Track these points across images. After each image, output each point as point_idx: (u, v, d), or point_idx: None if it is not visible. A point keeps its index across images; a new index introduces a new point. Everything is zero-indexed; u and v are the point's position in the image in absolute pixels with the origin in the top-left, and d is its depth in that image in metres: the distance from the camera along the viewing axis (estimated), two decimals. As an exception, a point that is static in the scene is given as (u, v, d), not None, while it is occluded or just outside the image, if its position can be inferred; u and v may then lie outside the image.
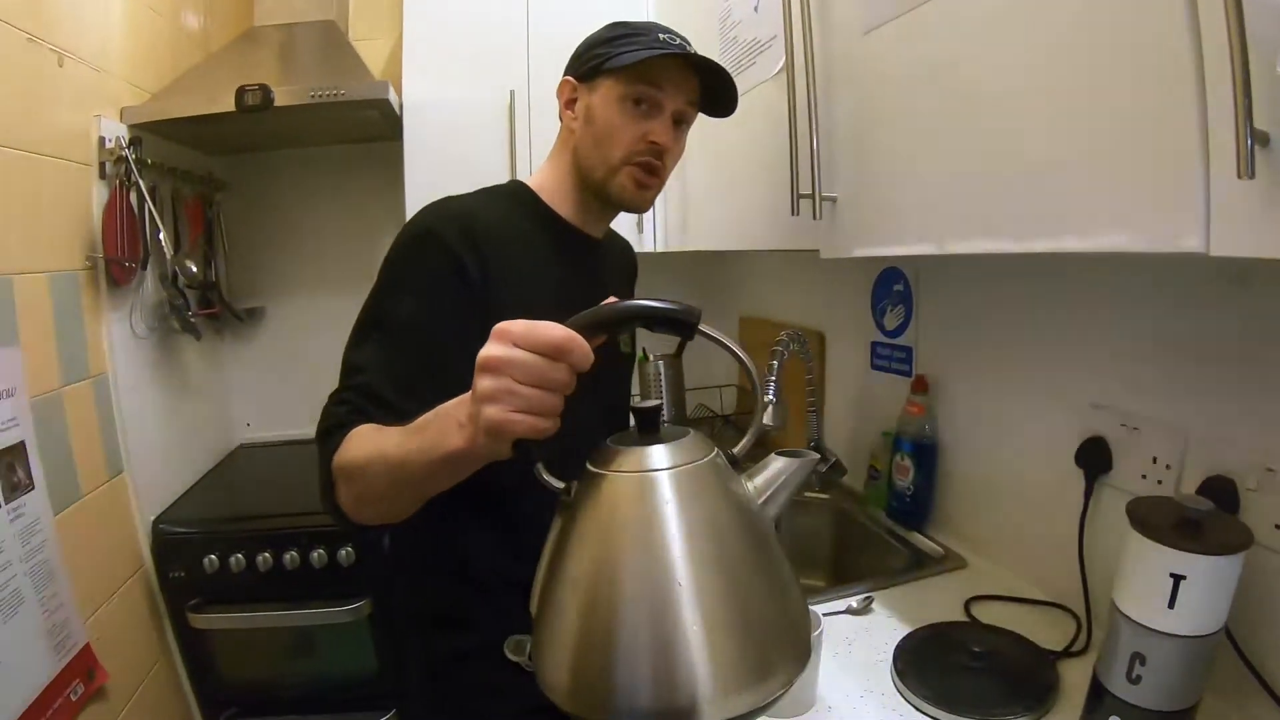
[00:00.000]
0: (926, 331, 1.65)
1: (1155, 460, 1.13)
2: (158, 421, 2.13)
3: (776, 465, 0.75)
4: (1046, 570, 1.34)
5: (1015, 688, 1.06)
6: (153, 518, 2.00)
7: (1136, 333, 1.17)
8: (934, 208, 1.03)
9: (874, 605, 1.33)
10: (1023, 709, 1.02)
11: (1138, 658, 0.89)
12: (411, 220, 1.09)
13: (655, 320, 0.75)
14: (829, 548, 1.84)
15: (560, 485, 0.73)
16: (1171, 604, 0.86)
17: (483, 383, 0.69)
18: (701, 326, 0.76)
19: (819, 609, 1.26)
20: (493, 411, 0.68)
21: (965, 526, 1.55)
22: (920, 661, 1.13)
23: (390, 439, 0.86)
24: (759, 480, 0.75)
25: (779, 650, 0.70)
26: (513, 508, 1.12)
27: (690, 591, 0.65)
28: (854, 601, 1.33)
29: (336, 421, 0.95)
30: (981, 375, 1.49)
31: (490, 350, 0.68)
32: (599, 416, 1.03)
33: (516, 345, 0.68)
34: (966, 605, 1.31)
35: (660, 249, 2.20)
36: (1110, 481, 1.21)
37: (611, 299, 0.75)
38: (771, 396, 1.56)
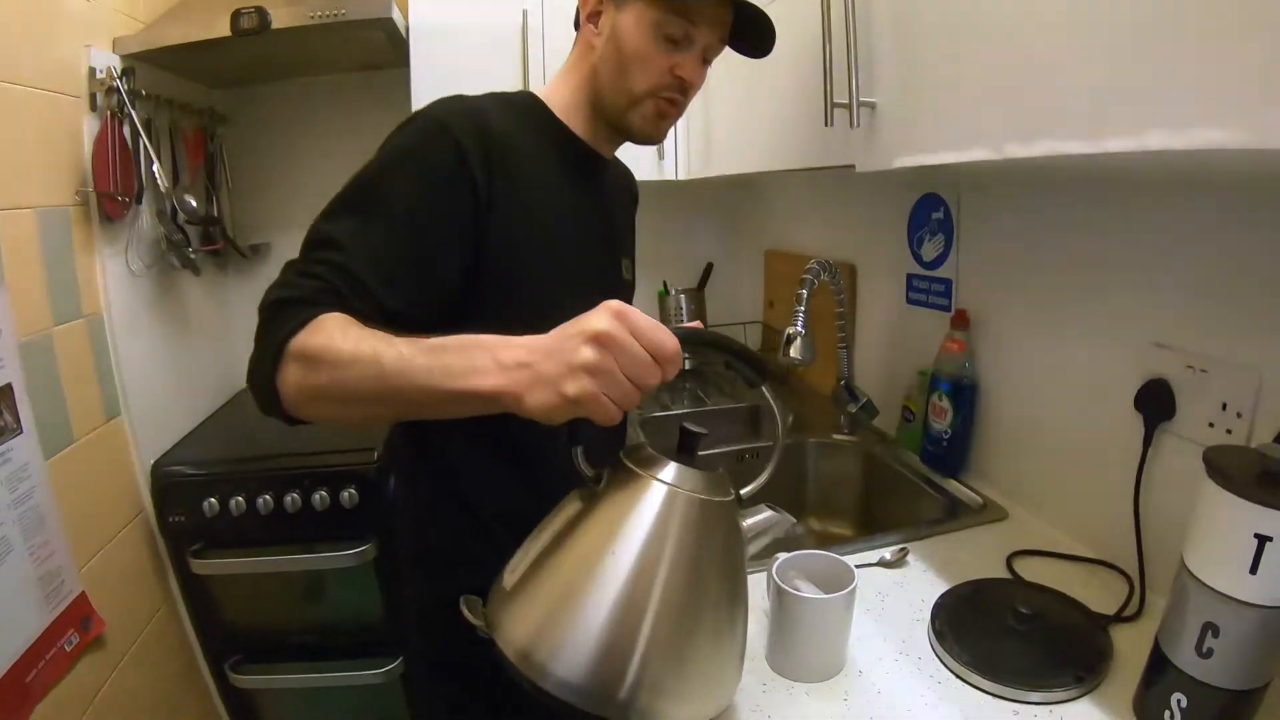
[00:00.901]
0: (968, 262, 1.53)
1: (1225, 407, 1.03)
2: (157, 362, 2.08)
3: (764, 516, 0.86)
4: (1096, 526, 1.25)
5: (1064, 654, 0.98)
6: (152, 461, 1.95)
7: (1207, 263, 1.06)
8: (991, 103, 0.90)
9: (909, 558, 1.25)
10: (1073, 679, 0.93)
11: (1210, 629, 0.80)
12: (421, 110, 0.99)
13: (742, 360, 0.86)
14: (857, 494, 1.75)
15: (592, 473, 0.80)
16: (1254, 569, 0.76)
17: (588, 353, 0.69)
18: (765, 387, 0.88)
19: (851, 559, 1.19)
20: (588, 385, 0.69)
21: (1006, 475, 1.45)
22: (960, 622, 1.05)
23: (389, 345, 0.78)
24: (748, 522, 0.85)
25: (703, 689, 0.80)
26: (519, 442, 1.09)
27: (664, 605, 0.74)
28: (887, 553, 1.25)
29: (301, 295, 0.85)
30: (1028, 310, 1.38)
31: (608, 326, 0.69)
32: None
33: (634, 334, 0.69)
34: (1009, 561, 1.23)
35: (683, 176, 2.10)
36: (1172, 429, 1.11)
37: (697, 323, 0.93)
38: (799, 328, 1.46)
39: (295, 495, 1.92)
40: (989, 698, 0.94)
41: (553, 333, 0.73)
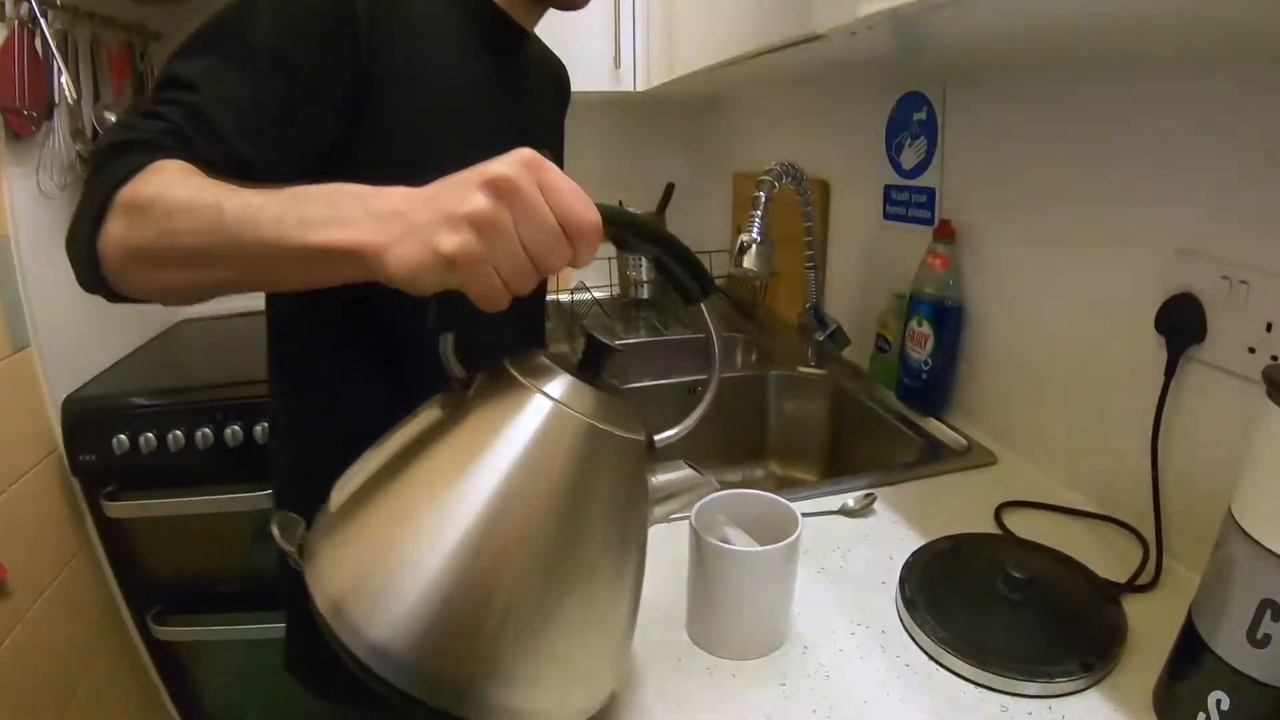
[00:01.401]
0: (953, 167, 1.27)
1: (1270, 328, 0.78)
2: (74, 290, 1.77)
3: (680, 475, 0.65)
4: (1102, 475, 1.00)
5: (1068, 633, 0.74)
6: (64, 396, 1.71)
7: (1246, 151, 0.80)
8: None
9: (876, 506, 1.00)
10: (1079, 666, 0.69)
11: (1269, 608, 0.56)
12: None
13: (683, 265, 0.64)
14: (824, 435, 1.50)
15: (461, 373, 0.59)
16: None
17: (479, 201, 0.50)
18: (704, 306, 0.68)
19: (802, 505, 0.95)
20: (470, 242, 0.50)
21: (996, 413, 1.20)
22: (936, 587, 0.80)
23: (235, 194, 0.60)
24: (659, 479, 0.64)
25: (575, 674, 0.59)
26: (407, 365, 0.89)
27: (527, 558, 0.54)
28: (850, 499, 1.00)
29: (141, 138, 0.66)
30: (1023, 219, 1.12)
31: (513, 173, 0.51)
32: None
33: (544, 191, 0.51)
34: (997, 513, 0.98)
35: (641, 87, 1.83)
36: (1202, 355, 0.86)
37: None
38: (755, 235, 1.20)
39: (207, 430, 1.67)
40: (971, 687, 0.70)
41: (445, 178, 0.54)
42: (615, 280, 2.05)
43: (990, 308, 1.19)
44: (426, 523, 0.53)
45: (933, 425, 1.24)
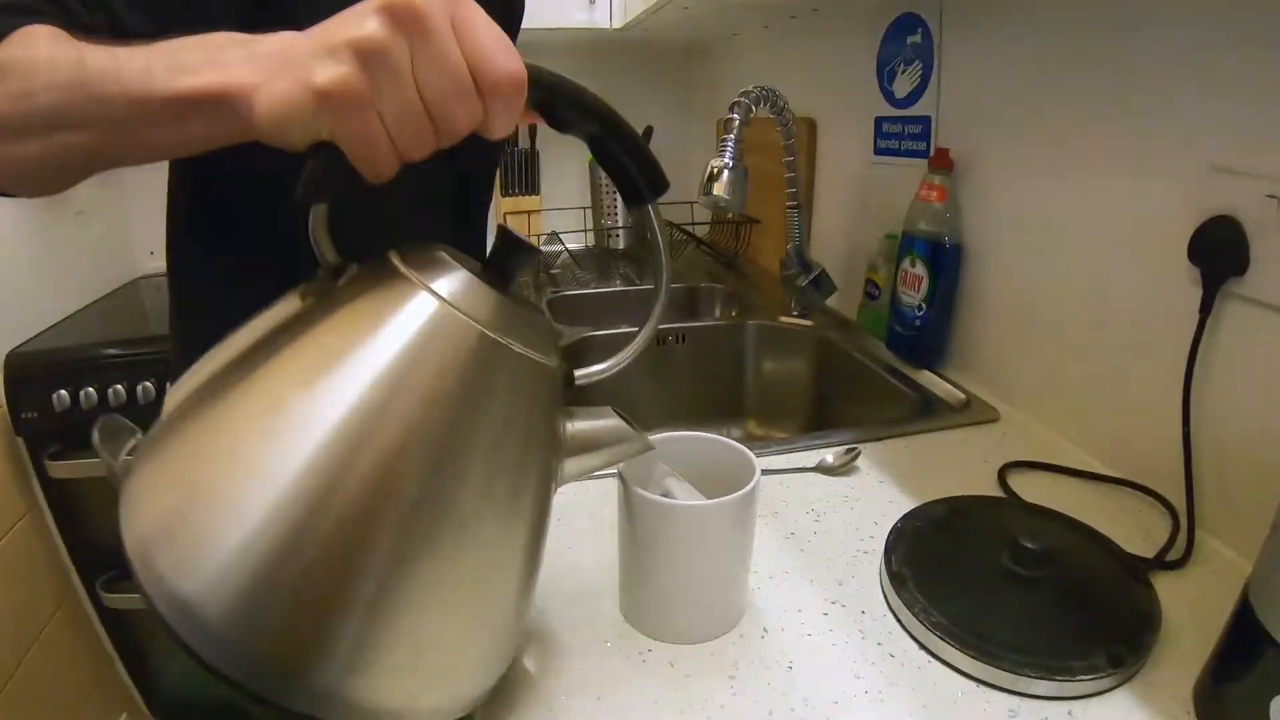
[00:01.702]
0: (951, 92, 1.10)
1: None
2: (20, 239, 1.69)
3: (605, 424, 0.50)
4: (1121, 432, 0.84)
5: (1092, 618, 0.58)
6: (8, 351, 1.56)
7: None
8: None
9: (859, 463, 0.84)
10: (1106, 660, 0.54)
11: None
12: None
13: (631, 155, 0.48)
14: (806, 392, 1.34)
15: (332, 258, 0.45)
16: None
17: (371, 27, 0.37)
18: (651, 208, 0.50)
19: (769, 462, 0.80)
20: (350, 76, 0.37)
21: (998, 364, 1.04)
22: (930, 559, 0.64)
23: (101, 49, 0.49)
24: (578, 427, 0.49)
25: (447, 662, 0.43)
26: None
27: (387, 503, 0.38)
28: (829, 455, 0.84)
29: (12, 2, 0.55)
30: (1032, 142, 0.95)
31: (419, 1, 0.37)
32: (422, 193, 0.68)
33: (457, 28, 0.38)
34: (1001, 475, 0.82)
35: (619, 24, 1.66)
36: (1243, 290, 0.69)
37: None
38: (728, 159, 1.03)
39: (149, 384, 1.53)
40: (971, 685, 0.54)
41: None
42: (590, 226, 1.89)
43: (993, 245, 1.03)
44: (255, 449, 0.39)
45: (926, 378, 1.08)
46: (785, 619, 0.60)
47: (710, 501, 0.54)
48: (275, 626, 0.37)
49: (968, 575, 0.63)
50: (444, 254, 0.45)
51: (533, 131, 2.05)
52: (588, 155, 1.96)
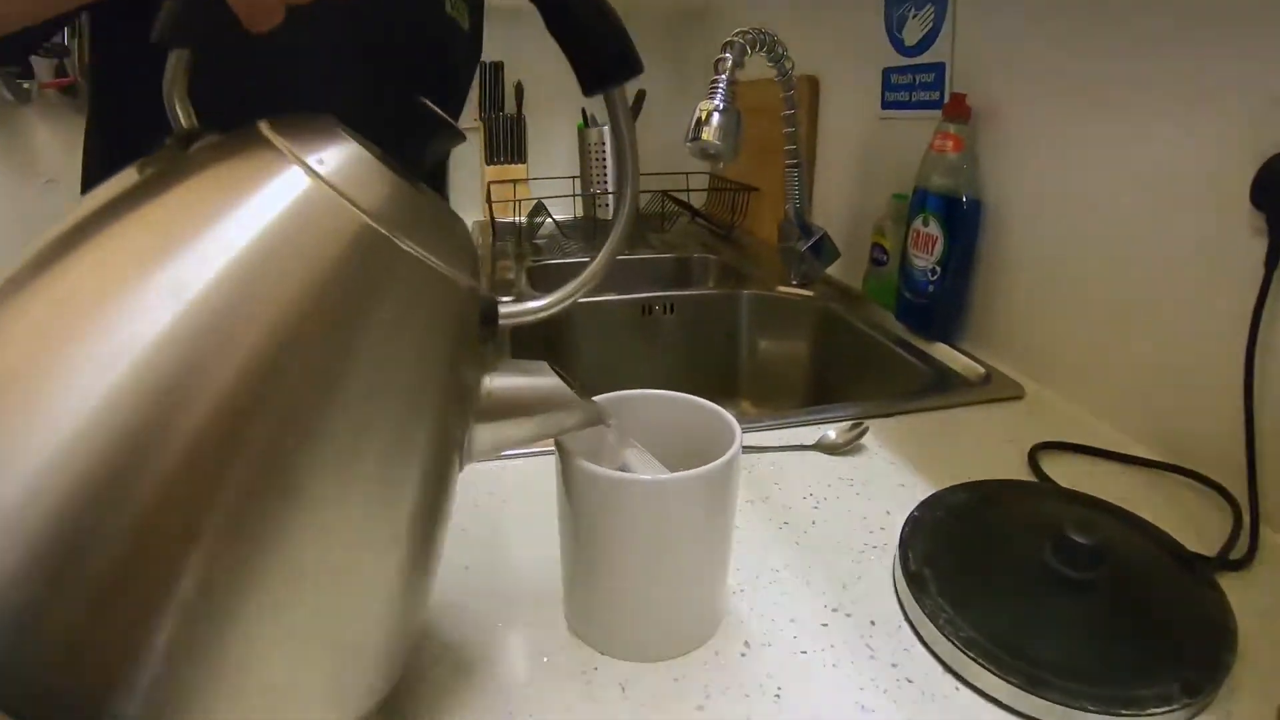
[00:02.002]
0: (967, 34, 0.98)
1: None
2: None
3: (540, 382, 0.38)
4: (1168, 411, 0.72)
5: (1158, 634, 0.46)
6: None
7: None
8: None
9: (866, 441, 0.72)
10: (1180, 688, 0.42)
11: None
12: None
13: (588, 15, 0.35)
14: (806, 368, 1.21)
15: (185, 122, 0.34)
16: None
17: None
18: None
19: (760, 438, 0.69)
20: None
21: (1023, 334, 0.91)
22: (954, 556, 0.52)
23: None
24: (499, 384, 0.37)
25: (308, 677, 0.31)
26: None
27: (227, 467, 0.26)
28: (832, 431, 0.72)
29: None
30: (1062, 84, 0.82)
31: None
32: (328, 72, 0.65)
33: None
34: (1032, 457, 0.70)
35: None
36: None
37: None
38: (718, 102, 0.90)
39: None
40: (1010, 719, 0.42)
41: None
42: (578, 192, 1.77)
43: (1016, 200, 0.90)
44: (44, 373, 0.26)
45: (941, 351, 0.96)
46: (773, 631, 0.48)
47: (674, 475, 0.42)
48: (48, 628, 0.25)
49: (1003, 577, 0.51)
50: (332, 125, 0.33)
51: (519, 97, 1.93)
52: (578, 121, 1.84)
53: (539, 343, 1.09)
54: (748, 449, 0.68)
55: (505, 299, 0.38)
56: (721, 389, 1.25)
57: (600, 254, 0.39)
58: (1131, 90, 0.74)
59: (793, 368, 1.21)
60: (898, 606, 0.50)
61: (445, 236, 0.33)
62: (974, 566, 0.51)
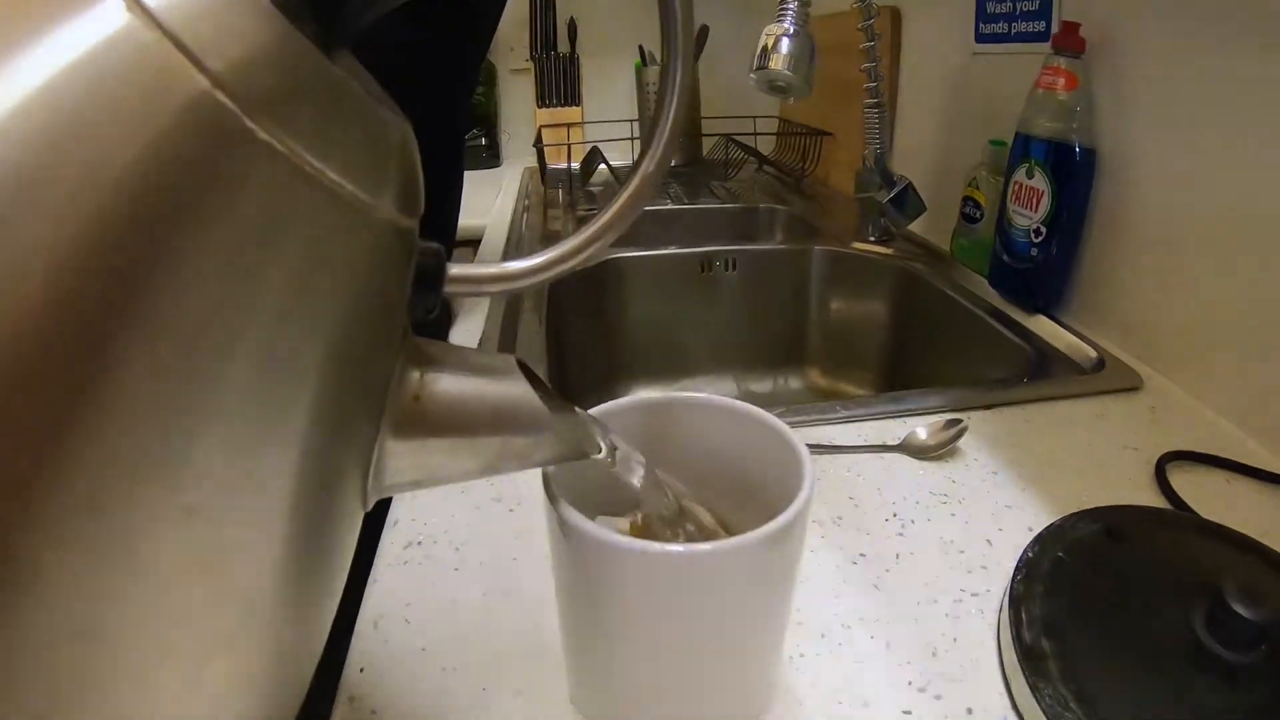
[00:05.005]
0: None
1: None
2: None
3: (495, 389, 0.26)
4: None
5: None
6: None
7: None
8: None
9: (962, 444, 0.60)
10: None
11: None
12: None
13: None
14: (884, 336, 1.08)
15: None
16: None
17: None
18: None
19: (829, 434, 0.58)
20: None
21: (1141, 312, 0.77)
22: (1083, 620, 0.41)
23: None
24: (437, 386, 0.25)
25: None
26: None
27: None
28: (922, 428, 0.60)
29: None
30: (1201, 11, 0.67)
31: None
32: None
33: None
34: (1160, 469, 0.57)
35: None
36: None
37: None
38: (789, 25, 0.77)
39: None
40: None
41: None
42: (636, 135, 1.65)
43: (1139, 149, 0.75)
44: None
45: (1043, 326, 0.82)
46: (839, 716, 0.38)
47: (718, 545, 0.30)
48: None
49: (1141, 653, 0.39)
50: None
51: (573, 35, 1.80)
52: (635, 60, 1.71)
53: (579, 300, 0.99)
54: (819, 448, 0.57)
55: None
56: (788, 355, 1.13)
57: (629, 182, 0.28)
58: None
59: (868, 336, 1.08)
60: (1003, 688, 0.39)
61: (365, 142, 0.21)
62: (1106, 637, 0.40)
